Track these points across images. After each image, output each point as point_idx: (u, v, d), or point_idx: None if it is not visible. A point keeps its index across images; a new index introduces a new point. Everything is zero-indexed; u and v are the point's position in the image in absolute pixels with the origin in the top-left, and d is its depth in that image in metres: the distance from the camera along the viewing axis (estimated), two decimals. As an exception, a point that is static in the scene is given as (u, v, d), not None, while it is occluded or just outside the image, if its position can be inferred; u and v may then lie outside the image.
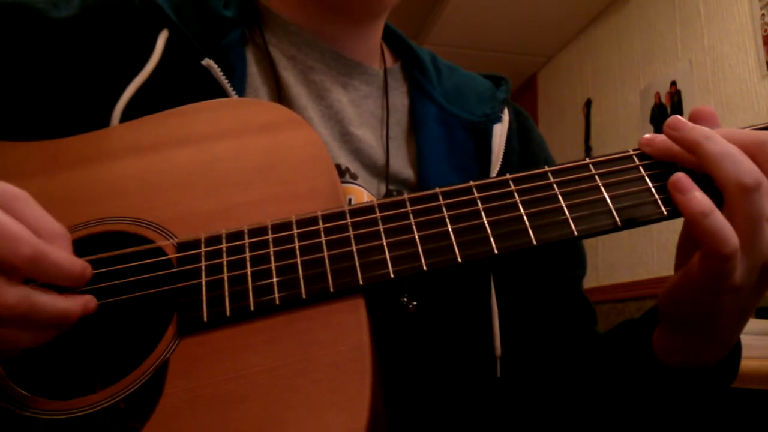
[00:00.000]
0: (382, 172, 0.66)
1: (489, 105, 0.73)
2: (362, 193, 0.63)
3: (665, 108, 2.48)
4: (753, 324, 1.39)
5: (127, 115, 0.56)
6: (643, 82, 2.64)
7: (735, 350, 0.56)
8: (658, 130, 2.50)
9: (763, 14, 2.04)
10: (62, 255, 0.43)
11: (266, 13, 0.69)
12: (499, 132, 0.70)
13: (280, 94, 0.65)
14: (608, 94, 2.90)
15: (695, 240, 0.46)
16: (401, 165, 0.68)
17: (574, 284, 0.74)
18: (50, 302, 0.42)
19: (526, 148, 0.74)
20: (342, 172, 0.63)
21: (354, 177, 0.64)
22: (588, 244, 0.68)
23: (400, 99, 0.74)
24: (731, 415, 1.30)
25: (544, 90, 3.55)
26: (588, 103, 3.04)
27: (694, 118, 0.51)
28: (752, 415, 1.31)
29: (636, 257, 2.56)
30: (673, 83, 2.44)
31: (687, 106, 2.37)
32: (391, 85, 0.74)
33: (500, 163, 0.68)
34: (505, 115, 0.72)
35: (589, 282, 0.76)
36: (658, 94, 2.52)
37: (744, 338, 0.55)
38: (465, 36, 3.15)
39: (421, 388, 0.61)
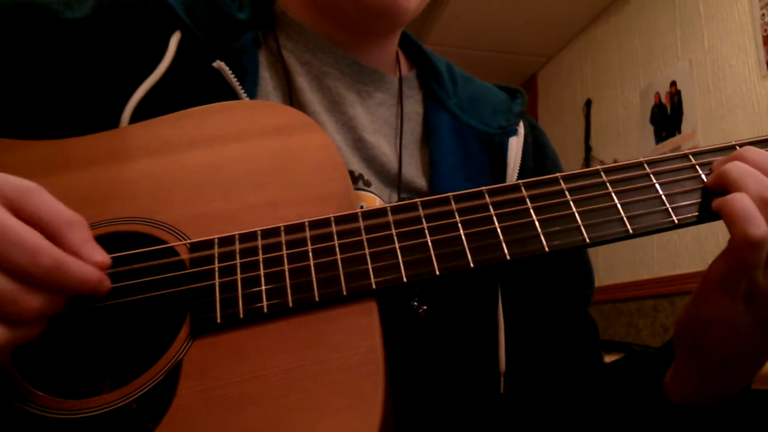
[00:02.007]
0: (395, 180, 0.66)
1: (504, 117, 0.72)
2: (374, 200, 0.63)
3: (665, 108, 2.48)
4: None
5: (138, 116, 0.56)
6: (643, 82, 2.64)
7: (744, 395, 0.55)
8: (658, 130, 2.51)
9: (763, 14, 2.05)
10: (80, 266, 0.42)
11: (282, 17, 0.69)
12: (515, 146, 0.69)
13: (292, 99, 0.65)
14: (608, 94, 2.90)
15: (727, 221, 0.46)
16: (414, 173, 0.68)
17: (582, 304, 0.74)
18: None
19: (541, 164, 0.73)
20: (355, 178, 0.63)
21: (367, 184, 0.64)
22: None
23: (414, 107, 0.73)
24: (731, 415, 1.30)
25: (544, 90, 3.54)
26: (588, 103, 3.04)
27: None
28: (752, 415, 1.31)
29: (636, 257, 2.57)
30: (673, 83, 2.44)
31: (687, 106, 2.37)
32: (406, 93, 0.73)
33: (515, 177, 0.67)
34: (521, 129, 0.72)
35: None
36: (658, 94, 2.53)
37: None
38: (465, 36, 3.14)
39: (428, 393, 0.61)
